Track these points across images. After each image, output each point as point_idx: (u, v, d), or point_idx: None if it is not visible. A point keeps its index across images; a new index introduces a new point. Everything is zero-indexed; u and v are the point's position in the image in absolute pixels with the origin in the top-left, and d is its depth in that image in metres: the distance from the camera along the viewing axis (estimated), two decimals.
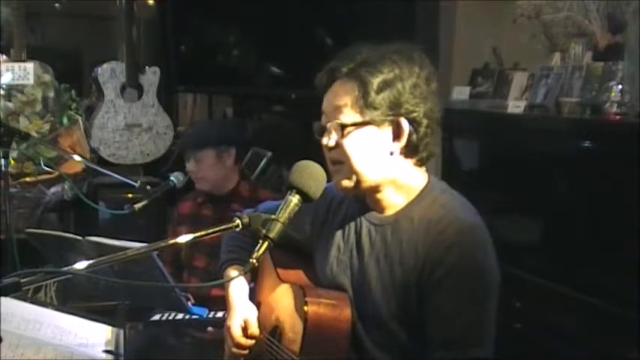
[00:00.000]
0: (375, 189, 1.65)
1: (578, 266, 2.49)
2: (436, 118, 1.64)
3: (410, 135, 1.60)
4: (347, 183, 1.63)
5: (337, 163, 1.64)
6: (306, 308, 1.64)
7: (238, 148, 3.03)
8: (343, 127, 1.60)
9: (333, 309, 1.67)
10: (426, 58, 1.66)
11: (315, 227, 1.82)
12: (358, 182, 1.62)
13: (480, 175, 3.16)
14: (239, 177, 3.03)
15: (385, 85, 1.58)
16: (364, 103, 1.58)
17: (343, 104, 1.60)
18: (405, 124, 1.60)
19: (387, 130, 1.61)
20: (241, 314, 1.83)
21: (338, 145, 1.61)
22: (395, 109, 1.59)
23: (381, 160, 1.61)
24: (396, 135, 1.61)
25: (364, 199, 1.71)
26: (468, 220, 1.59)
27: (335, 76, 1.64)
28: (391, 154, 1.62)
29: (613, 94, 2.50)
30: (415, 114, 1.60)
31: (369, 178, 1.62)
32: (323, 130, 1.64)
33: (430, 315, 1.57)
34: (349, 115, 1.60)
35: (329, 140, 1.62)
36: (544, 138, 2.74)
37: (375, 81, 1.58)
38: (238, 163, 3.05)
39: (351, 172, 1.61)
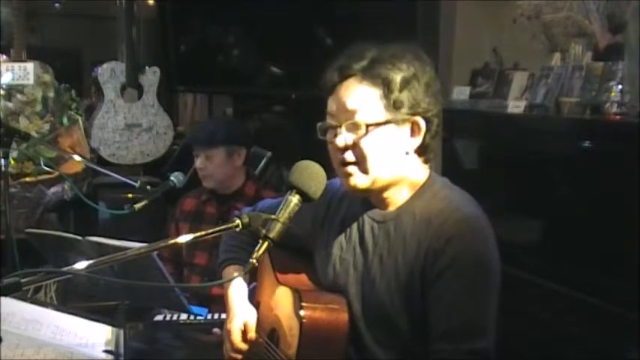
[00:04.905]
0: (385, 188, 1.64)
1: (578, 266, 2.48)
2: (441, 117, 1.65)
3: (425, 134, 1.61)
4: (362, 183, 1.60)
5: (351, 163, 1.60)
6: (302, 312, 1.63)
7: (248, 149, 3.03)
8: (367, 126, 1.56)
9: (330, 313, 1.65)
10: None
11: (315, 226, 1.81)
12: (373, 182, 1.60)
13: (479, 175, 3.16)
14: (245, 177, 3.04)
15: (406, 83, 1.58)
16: (387, 102, 1.57)
17: (363, 102, 1.58)
18: (422, 123, 1.60)
19: (405, 129, 1.60)
20: (241, 317, 1.82)
21: (355, 145, 1.58)
22: (414, 107, 1.59)
23: (397, 160, 1.61)
24: (413, 134, 1.61)
25: (367, 197, 1.70)
26: (468, 212, 1.59)
27: (347, 74, 1.60)
28: (407, 153, 1.62)
29: (613, 94, 2.50)
30: (430, 113, 1.61)
31: (383, 178, 1.61)
32: (327, 131, 1.63)
33: (432, 306, 1.56)
34: (370, 114, 1.57)
35: (345, 140, 1.58)
36: (544, 138, 2.73)
37: (398, 78, 1.57)
38: (246, 164, 3.05)
39: (367, 172, 1.59)
